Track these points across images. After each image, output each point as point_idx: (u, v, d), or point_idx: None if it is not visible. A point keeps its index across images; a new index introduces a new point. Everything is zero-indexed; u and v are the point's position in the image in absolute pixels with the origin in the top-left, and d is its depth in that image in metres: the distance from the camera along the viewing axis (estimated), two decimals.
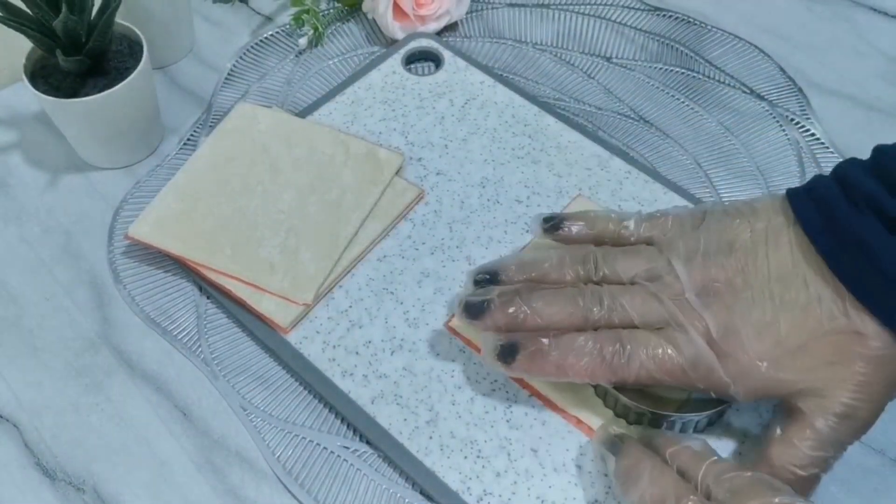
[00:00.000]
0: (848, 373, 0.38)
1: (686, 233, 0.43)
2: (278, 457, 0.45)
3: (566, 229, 0.46)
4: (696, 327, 0.40)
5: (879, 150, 0.40)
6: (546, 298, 0.43)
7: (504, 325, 0.43)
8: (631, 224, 0.45)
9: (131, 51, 0.55)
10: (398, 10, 0.62)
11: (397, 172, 0.54)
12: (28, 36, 0.51)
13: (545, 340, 0.41)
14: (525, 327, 0.43)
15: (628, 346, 0.41)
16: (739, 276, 0.41)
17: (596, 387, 0.45)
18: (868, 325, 0.38)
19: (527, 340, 0.42)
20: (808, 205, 0.41)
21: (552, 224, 0.47)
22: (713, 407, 0.43)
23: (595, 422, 0.44)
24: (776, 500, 0.35)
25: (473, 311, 0.43)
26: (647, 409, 0.43)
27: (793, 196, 0.42)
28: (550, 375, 0.42)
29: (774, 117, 0.60)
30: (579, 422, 0.45)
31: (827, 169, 0.56)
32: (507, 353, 0.42)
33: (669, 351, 0.40)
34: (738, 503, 0.36)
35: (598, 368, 0.41)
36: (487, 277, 0.45)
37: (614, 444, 0.41)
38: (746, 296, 0.40)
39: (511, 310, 0.42)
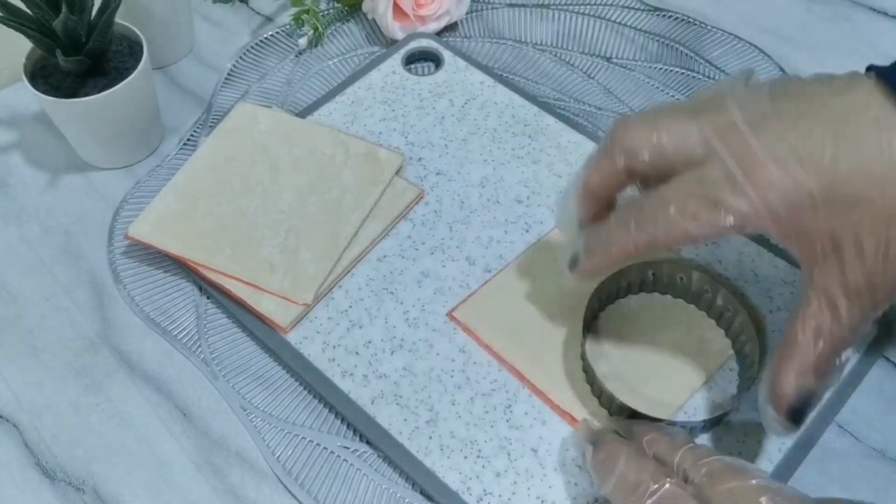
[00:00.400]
0: (883, 237, 0.34)
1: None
2: (278, 457, 0.45)
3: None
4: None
5: None
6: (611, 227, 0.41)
7: (600, 269, 0.43)
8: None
9: (131, 51, 0.55)
10: (398, 10, 0.62)
11: (397, 172, 0.54)
12: (28, 36, 0.51)
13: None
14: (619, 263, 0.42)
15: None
16: (802, 106, 0.36)
17: (592, 386, 0.45)
18: None
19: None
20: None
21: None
22: (711, 413, 0.43)
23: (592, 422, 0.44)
24: (753, 481, 0.35)
25: (572, 262, 0.43)
26: (644, 413, 0.43)
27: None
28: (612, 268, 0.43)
29: None
30: (574, 420, 0.45)
31: None
32: (573, 263, 0.43)
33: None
34: (715, 485, 0.35)
35: (641, 243, 0.39)
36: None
37: (595, 438, 0.41)
38: (805, 124, 0.36)
39: (601, 251, 0.41)
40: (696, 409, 0.45)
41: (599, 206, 0.42)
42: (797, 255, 0.38)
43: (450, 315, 0.49)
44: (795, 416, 0.37)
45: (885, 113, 0.35)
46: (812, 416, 0.44)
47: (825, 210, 0.35)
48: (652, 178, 0.39)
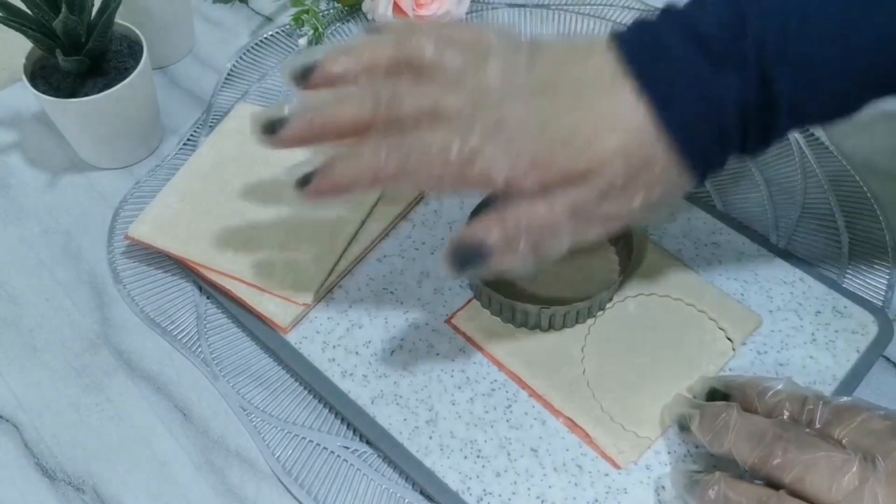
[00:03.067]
0: (623, 159, 0.37)
1: (508, 37, 0.41)
2: (278, 457, 0.45)
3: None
4: (490, 117, 0.38)
5: None
6: (337, 98, 0.40)
7: (302, 135, 0.41)
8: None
9: (131, 51, 0.55)
10: (398, 11, 0.62)
11: None
12: (28, 36, 0.51)
13: (335, 153, 0.40)
14: (325, 135, 0.40)
15: (408, 147, 0.38)
16: (549, 75, 0.39)
17: (479, 295, 0.48)
18: (655, 134, 0.37)
19: (320, 161, 0.40)
20: (631, 30, 0.39)
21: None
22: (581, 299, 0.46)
23: (591, 426, 0.44)
24: (876, 413, 0.38)
25: (270, 127, 0.41)
26: (534, 306, 0.45)
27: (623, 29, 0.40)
28: (346, 191, 0.40)
29: None
30: (574, 425, 0.45)
31: (827, 169, 0.56)
32: (304, 180, 0.40)
33: (452, 146, 0.38)
34: (841, 422, 0.38)
35: (382, 171, 0.39)
36: (303, 74, 0.42)
37: (693, 484, 0.40)
38: (551, 91, 0.39)
39: (305, 117, 0.40)
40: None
41: (329, 81, 0.41)
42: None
43: (448, 322, 0.49)
44: (456, 260, 0.39)
45: (612, 75, 0.38)
46: None
47: (564, 152, 0.38)
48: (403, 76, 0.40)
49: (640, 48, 0.38)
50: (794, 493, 0.37)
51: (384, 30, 0.43)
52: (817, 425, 0.39)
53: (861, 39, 0.37)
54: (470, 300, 0.49)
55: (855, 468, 0.36)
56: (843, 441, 0.38)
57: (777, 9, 0.37)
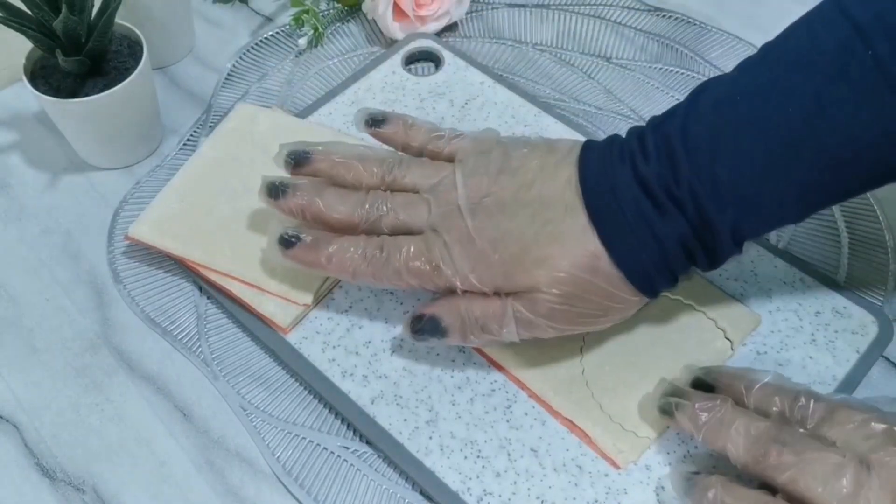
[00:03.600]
0: (570, 282, 0.41)
1: (482, 153, 0.45)
2: (278, 457, 0.45)
3: (383, 128, 0.49)
4: (454, 232, 0.43)
5: (666, 116, 0.42)
6: (338, 197, 0.45)
7: (297, 212, 0.45)
8: (442, 139, 0.47)
9: (131, 51, 0.55)
10: (398, 11, 0.62)
11: None
12: (28, 36, 0.51)
13: (323, 236, 0.45)
14: (315, 219, 0.45)
15: (385, 251, 0.43)
16: (511, 195, 0.43)
17: None
18: (604, 263, 0.41)
19: (309, 233, 0.45)
20: (592, 149, 0.43)
21: (374, 120, 0.49)
22: None
23: (590, 426, 0.44)
24: (876, 414, 0.38)
25: (273, 191, 0.46)
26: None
27: (587, 143, 0.44)
28: (320, 269, 0.45)
29: None
30: (574, 425, 0.45)
31: None
32: (289, 242, 0.45)
33: (421, 255, 0.43)
34: (834, 424, 0.38)
35: (359, 268, 0.44)
36: (295, 160, 0.47)
37: (691, 487, 0.40)
38: (511, 210, 0.42)
39: (305, 200, 0.45)
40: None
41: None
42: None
43: None
44: (416, 330, 0.44)
45: (570, 200, 0.42)
46: None
47: (511, 278, 0.42)
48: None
49: (595, 178, 0.41)
50: (788, 494, 0.37)
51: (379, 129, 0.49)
52: (809, 424, 0.39)
53: (791, 175, 0.39)
54: None
55: (850, 473, 0.36)
56: (837, 443, 0.38)
57: (704, 154, 0.39)
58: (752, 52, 0.63)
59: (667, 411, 0.42)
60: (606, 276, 0.41)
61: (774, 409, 0.40)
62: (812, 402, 0.40)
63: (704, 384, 0.44)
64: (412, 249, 0.43)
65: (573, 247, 0.41)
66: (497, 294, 0.42)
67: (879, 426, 0.37)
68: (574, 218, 0.41)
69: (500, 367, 0.47)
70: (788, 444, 0.37)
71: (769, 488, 0.38)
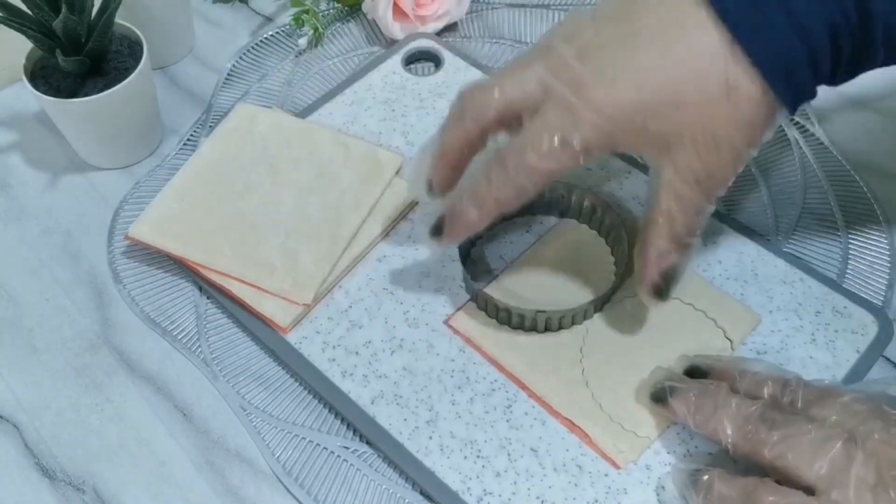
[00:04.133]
0: (710, 133, 0.38)
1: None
2: (278, 457, 0.45)
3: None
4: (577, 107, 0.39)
5: None
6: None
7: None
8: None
9: (131, 51, 0.55)
10: (398, 11, 0.62)
11: (397, 173, 0.54)
12: (28, 36, 0.51)
13: (453, 198, 0.43)
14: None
15: (520, 146, 0.40)
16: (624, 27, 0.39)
17: (476, 298, 0.48)
18: (742, 80, 0.37)
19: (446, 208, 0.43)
20: None
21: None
22: (582, 300, 0.47)
23: (591, 426, 0.44)
24: (861, 394, 0.38)
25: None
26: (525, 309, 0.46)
27: None
28: (474, 229, 0.43)
29: None
30: (573, 425, 0.45)
31: (827, 169, 0.56)
32: (436, 230, 0.43)
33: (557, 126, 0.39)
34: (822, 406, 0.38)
35: (502, 194, 0.41)
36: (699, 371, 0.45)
37: (694, 482, 0.40)
38: (631, 41, 0.39)
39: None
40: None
41: (454, 171, 0.44)
42: (647, 160, 0.41)
43: (447, 323, 0.49)
44: (660, 291, 0.43)
45: (692, 18, 0.37)
46: None
47: (654, 117, 0.38)
48: (509, 132, 0.42)
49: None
50: (777, 472, 0.37)
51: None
52: (799, 405, 0.39)
53: None
54: (467, 302, 0.49)
55: (839, 445, 0.36)
56: (826, 422, 0.38)
57: None
58: None
59: (660, 398, 0.43)
60: (745, 104, 0.37)
61: (766, 393, 0.41)
62: (802, 386, 0.40)
63: (699, 372, 0.44)
64: (545, 125, 0.39)
65: (707, 75, 0.37)
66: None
67: (863, 404, 0.38)
68: (700, 37, 0.37)
69: (500, 367, 0.47)
70: (777, 422, 0.38)
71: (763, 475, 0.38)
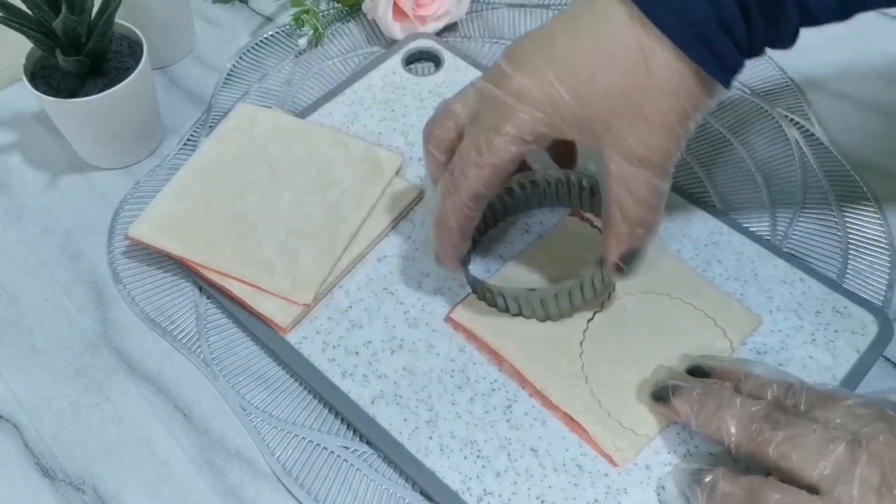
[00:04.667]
0: (636, 108, 0.38)
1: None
2: (278, 457, 0.45)
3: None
4: None
5: None
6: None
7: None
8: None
9: (131, 51, 0.55)
10: (398, 11, 0.62)
11: (397, 173, 0.54)
12: (28, 36, 0.51)
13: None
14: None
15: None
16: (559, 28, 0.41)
17: (475, 289, 0.49)
18: (655, 48, 0.37)
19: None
20: None
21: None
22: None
23: (589, 422, 0.44)
24: (864, 399, 0.39)
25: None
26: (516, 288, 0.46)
27: None
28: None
29: (774, 117, 0.60)
30: (572, 420, 0.45)
31: (827, 169, 0.56)
32: (661, 397, 0.43)
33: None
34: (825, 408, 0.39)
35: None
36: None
37: (696, 482, 0.40)
38: (551, 36, 0.40)
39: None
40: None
41: None
42: (590, 149, 0.41)
43: (448, 318, 0.49)
44: (622, 271, 0.43)
45: (601, 3, 0.39)
46: None
47: (578, 101, 0.39)
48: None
49: None
50: (780, 471, 0.37)
51: None
52: (802, 407, 0.39)
53: None
54: (467, 296, 0.49)
55: (843, 447, 0.36)
56: (829, 424, 0.38)
57: None
58: None
59: (662, 396, 0.43)
60: (662, 74, 0.37)
61: (769, 395, 0.41)
62: (805, 389, 0.40)
63: (701, 372, 0.44)
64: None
65: (623, 52, 0.38)
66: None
67: (869, 408, 0.38)
68: (610, 12, 0.38)
69: (500, 361, 0.47)
70: (782, 422, 0.38)
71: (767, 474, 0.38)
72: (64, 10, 0.49)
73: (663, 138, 0.39)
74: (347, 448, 0.45)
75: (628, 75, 0.38)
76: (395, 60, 0.61)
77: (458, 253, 0.46)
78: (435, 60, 0.62)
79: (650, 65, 0.38)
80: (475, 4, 0.67)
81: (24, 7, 0.50)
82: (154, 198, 0.53)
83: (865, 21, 0.66)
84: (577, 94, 0.39)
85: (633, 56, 0.38)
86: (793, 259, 0.51)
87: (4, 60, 0.60)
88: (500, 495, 0.43)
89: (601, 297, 0.48)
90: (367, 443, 0.45)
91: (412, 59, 0.63)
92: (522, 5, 0.67)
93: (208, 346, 0.49)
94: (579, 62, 0.39)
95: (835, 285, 0.50)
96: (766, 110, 0.60)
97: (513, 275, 0.50)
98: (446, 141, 0.44)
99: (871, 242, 0.53)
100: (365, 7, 0.65)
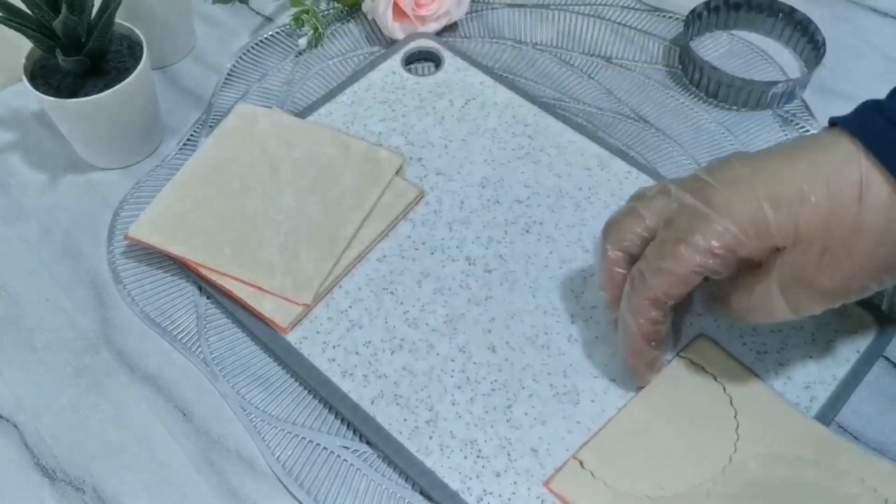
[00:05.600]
0: (842, 240, 0.38)
1: None
2: (278, 457, 0.45)
3: None
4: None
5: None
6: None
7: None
8: None
9: (131, 51, 0.55)
10: (398, 11, 0.62)
11: (397, 173, 0.54)
12: (28, 36, 0.51)
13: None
14: None
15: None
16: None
17: None
18: (874, 187, 0.38)
19: None
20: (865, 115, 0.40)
21: None
22: None
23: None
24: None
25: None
26: None
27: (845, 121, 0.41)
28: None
29: (774, 117, 0.60)
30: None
31: None
32: None
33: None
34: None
35: None
36: None
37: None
38: (761, 155, 0.41)
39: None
40: None
41: (620, 288, 0.44)
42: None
43: (546, 487, 0.43)
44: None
45: (826, 136, 0.40)
46: (814, 412, 0.44)
47: (777, 210, 0.39)
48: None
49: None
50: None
51: None
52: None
53: None
54: (566, 462, 0.43)
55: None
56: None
57: None
58: (751, 50, 0.63)
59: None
60: (873, 210, 0.38)
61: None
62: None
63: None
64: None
65: (838, 178, 0.38)
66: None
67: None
68: (833, 145, 0.39)
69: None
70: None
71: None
72: (64, 9, 0.49)
73: (862, 276, 0.39)
74: (347, 448, 0.45)
75: (838, 198, 0.38)
76: (395, 60, 0.62)
77: (645, 360, 0.44)
78: (435, 60, 0.62)
79: (865, 194, 0.38)
80: (475, 4, 0.67)
81: (24, 7, 0.50)
82: (154, 198, 0.53)
83: (865, 21, 0.66)
84: (776, 200, 0.39)
85: (851, 180, 0.38)
86: None
87: (4, 60, 0.60)
88: (500, 495, 0.43)
89: None
90: (367, 443, 0.45)
91: (412, 59, 0.63)
92: (522, 5, 0.67)
93: (208, 346, 0.49)
94: (787, 172, 0.39)
95: None
96: (766, 110, 0.60)
97: (614, 443, 0.44)
98: (625, 241, 0.43)
99: None
100: (365, 7, 0.65)
